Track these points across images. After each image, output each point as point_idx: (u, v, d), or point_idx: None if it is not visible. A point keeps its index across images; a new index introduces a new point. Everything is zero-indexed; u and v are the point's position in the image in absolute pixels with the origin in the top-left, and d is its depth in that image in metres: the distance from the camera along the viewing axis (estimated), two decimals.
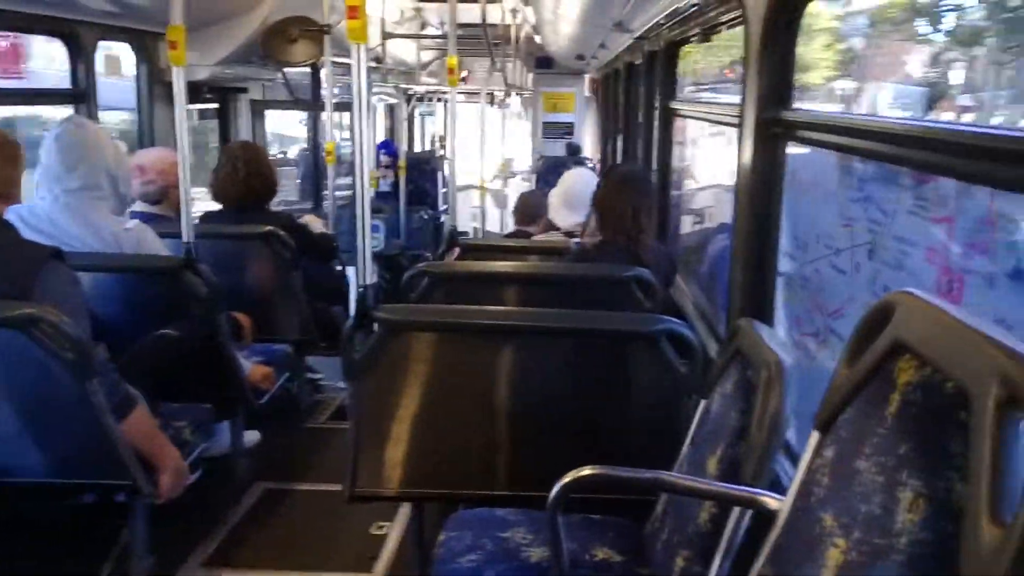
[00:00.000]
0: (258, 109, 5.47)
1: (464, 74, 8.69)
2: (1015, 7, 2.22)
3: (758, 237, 2.01)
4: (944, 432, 0.85)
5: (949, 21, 2.60)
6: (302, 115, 7.04)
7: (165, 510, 2.31)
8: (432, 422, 2.20)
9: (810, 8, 1.90)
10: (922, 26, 2.83)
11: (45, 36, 3.67)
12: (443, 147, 9.95)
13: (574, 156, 8.67)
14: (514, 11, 6.18)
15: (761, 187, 1.96)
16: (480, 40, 5.49)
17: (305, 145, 7.53)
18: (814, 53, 2.85)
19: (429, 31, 6.92)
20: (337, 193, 4.90)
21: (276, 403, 3.24)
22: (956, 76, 2.57)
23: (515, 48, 6.71)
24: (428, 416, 2.19)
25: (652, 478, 1.43)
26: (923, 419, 0.90)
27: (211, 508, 2.89)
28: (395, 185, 6.61)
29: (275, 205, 3.99)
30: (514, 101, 9.08)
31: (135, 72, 4.16)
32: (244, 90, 5.21)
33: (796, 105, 1.94)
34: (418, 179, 7.51)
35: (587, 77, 9.63)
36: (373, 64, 6.14)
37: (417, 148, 10.65)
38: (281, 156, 9.39)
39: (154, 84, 4.12)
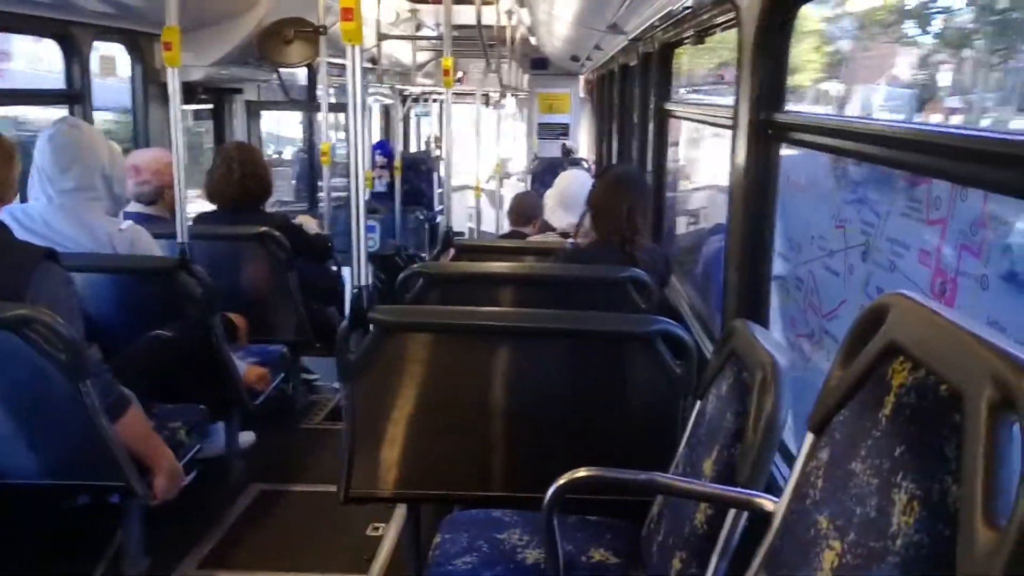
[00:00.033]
0: (253, 110, 5.46)
1: (460, 75, 8.69)
2: (1002, 9, 2.23)
3: (752, 238, 2.01)
4: (938, 434, 0.86)
5: (937, 24, 2.60)
6: (298, 116, 7.03)
7: (160, 512, 2.31)
8: (427, 423, 2.20)
9: (799, 11, 1.91)
10: (911, 28, 2.83)
11: (40, 37, 3.65)
12: (438, 147, 9.95)
13: (569, 157, 8.68)
14: (509, 12, 6.17)
15: (755, 188, 1.96)
16: (475, 41, 5.49)
17: (300, 146, 7.52)
18: (802, 55, 2.86)
19: (425, 32, 6.91)
20: (333, 194, 4.89)
21: (271, 404, 3.24)
22: (944, 78, 2.58)
23: (510, 49, 6.71)
24: (423, 417, 2.19)
25: (647, 480, 1.43)
26: (917, 421, 0.90)
27: (206, 509, 2.89)
28: (391, 186, 6.61)
29: (270, 206, 3.99)
30: (509, 102, 9.08)
31: (130, 73, 4.15)
32: (239, 91, 5.20)
33: (786, 108, 1.94)
34: (414, 180, 7.52)
35: (582, 78, 9.64)
36: (369, 65, 6.13)
37: (413, 149, 10.65)
38: (277, 157, 9.38)
39: (149, 85, 4.11)
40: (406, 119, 9.79)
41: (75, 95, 3.55)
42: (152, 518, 2.33)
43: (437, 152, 9.48)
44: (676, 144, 4.23)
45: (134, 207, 3.23)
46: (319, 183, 5.34)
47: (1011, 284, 1.47)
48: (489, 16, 5.68)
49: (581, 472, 1.43)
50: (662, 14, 3.29)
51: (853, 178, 2.10)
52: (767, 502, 1.26)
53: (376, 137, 8.74)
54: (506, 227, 4.71)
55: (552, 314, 2.26)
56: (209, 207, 3.65)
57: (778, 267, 2.14)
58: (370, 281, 2.33)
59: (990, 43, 2.25)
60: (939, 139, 1.32)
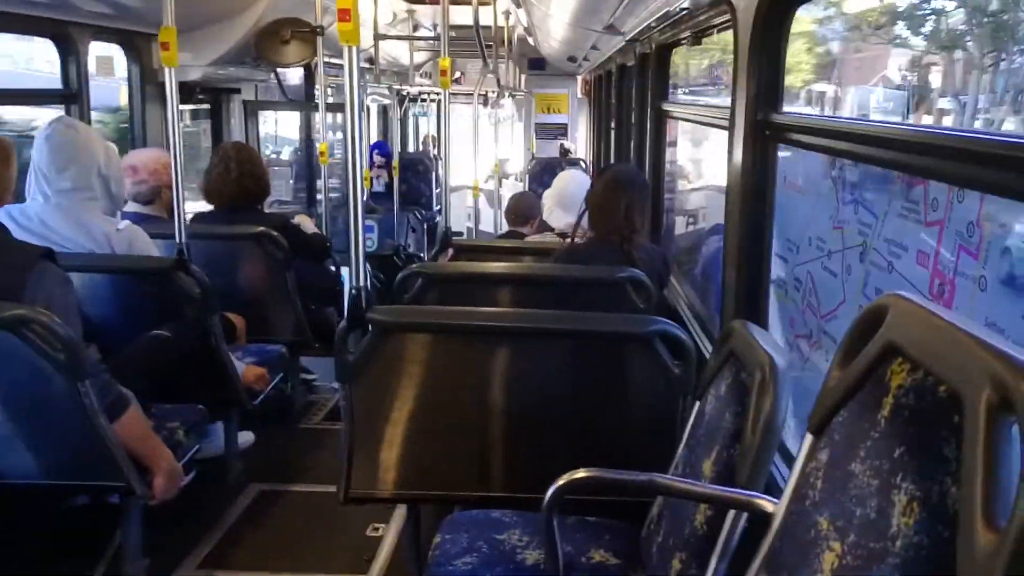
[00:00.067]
0: (251, 110, 5.46)
1: (457, 75, 8.69)
2: (993, 12, 2.24)
3: (751, 238, 2.01)
4: (937, 435, 0.86)
5: (929, 26, 2.61)
6: (296, 116, 7.02)
7: (159, 512, 2.31)
8: (426, 423, 2.20)
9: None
10: (902, 30, 2.84)
11: (37, 37, 3.64)
12: (436, 147, 9.94)
13: (566, 157, 8.68)
14: (506, 13, 6.18)
15: (753, 189, 1.97)
16: (473, 42, 5.49)
17: (298, 146, 7.52)
18: (794, 56, 2.87)
19: (422, 33, 6.91)
20: (331, 194, 4.90)
21: (270, 404, 3.24)
22: (935, 79, 2.59)
23: (508, 50, 6.72)
24: (422, 417, 2.19)
25: (647, 480, 1.43)
26: (916, 422, 0.90)
27: (205, 510, 2.89)
28: (389, 186, 6.59)
29: (268, 206, 3.99)
30: (507, 102, 9.08)
31: (127, 73, 4.14)
32: (237, 91, 5.20)
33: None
34: (412, 180, 7.50)
35: (580, 79, 9.64)
36: (366, 65, 6.13)
37: (411, 149, 10.64)
38: (274, 156, 9.37)
39: (146, 85, 4.11)
40: (404, 119, 9.78)
41: (72, 95, 3.54)
42: (151, 518, 2.33)
43: (434, 152, 9.47)
44: (674, 144, 4.24)
45: (131, 207, 3.23)
46: (317, 183, 5.34)
47: (1009, 286, 1.48)
48: (486, 16, 5.68)
49: (580, 473, 1.43)
50: (659, 15, 3.29)
51: (850, 179, 2.11)
52: (767, 503, 1.26)
53: (374, 137, 8.73)
54: (504, 227, 4.71)
55: (550, 314, 2.26)
56: (206, 207, 3.64)
57: (776, 269, 2.14)
58: (368, 281, 2.33)
59: (980, 46, 2.26)
60: (936, 140, 1.33)
